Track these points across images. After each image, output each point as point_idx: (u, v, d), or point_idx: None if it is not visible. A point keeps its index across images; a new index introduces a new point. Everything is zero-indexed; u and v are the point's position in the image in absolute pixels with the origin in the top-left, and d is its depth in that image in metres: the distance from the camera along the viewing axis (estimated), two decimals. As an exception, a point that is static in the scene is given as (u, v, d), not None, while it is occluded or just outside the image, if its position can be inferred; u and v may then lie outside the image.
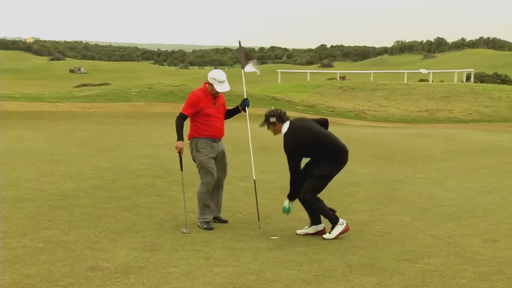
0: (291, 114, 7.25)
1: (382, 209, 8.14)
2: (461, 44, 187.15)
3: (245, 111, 7.16)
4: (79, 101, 27.87)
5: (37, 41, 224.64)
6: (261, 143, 14.60)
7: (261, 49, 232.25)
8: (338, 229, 6.44)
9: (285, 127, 6.52)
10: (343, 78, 78.13)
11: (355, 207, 8.22)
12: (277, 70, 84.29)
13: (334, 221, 6.47)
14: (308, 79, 70.77)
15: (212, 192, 7.00)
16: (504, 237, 6.63)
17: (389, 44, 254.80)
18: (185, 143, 6.92)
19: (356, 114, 39.76)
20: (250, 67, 7.42)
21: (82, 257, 5.46)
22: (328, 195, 6.66)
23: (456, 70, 76.46)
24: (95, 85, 52.04)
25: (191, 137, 7.00)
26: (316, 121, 6.80)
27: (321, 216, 6.64)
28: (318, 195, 6.54)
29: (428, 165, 13.24)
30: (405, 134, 21.29)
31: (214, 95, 6.94)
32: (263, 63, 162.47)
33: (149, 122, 22.34)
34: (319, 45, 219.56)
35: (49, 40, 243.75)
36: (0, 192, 8.21)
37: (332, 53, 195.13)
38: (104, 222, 6.88)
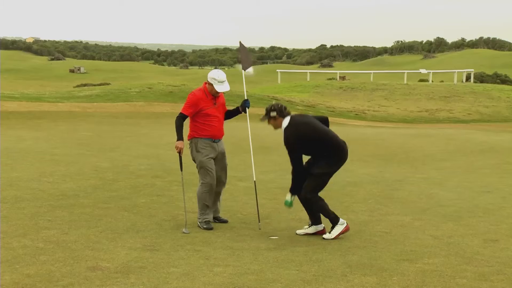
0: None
1: (382, 209, 8.14)
2: (461, 44, 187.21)
3: (245, 112, 7.15)
4: (79, 101, 27.88)
5: (37, 41, 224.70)
6: (261, 143, 14.61)
7: (261, 49, 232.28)
8: (338, 229, 6.43)
9: (286, 122, 6.50)
10: (343, 78, 78.16)
11: (355, 207, 8.22)
12: (277, 70, 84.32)
13: (334, 221, 6.47)
14: (308, 79, 70.80)
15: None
16: (504, 237, 6.63)
17: (389, 44, 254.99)
18: (185, 143, 6.92)
19: (356, 114, 39.76)
20: (250, 70, 7.44)
21: (82, 257, 5.46)
22: (328, 195, 6.66)
23: (456, 70, 76.49)
24: (95, 85, 52.04)
25: (191, 137, 6.99)
26: (317, 118, 6.80)
27: (322, 215, 6.64)
28: (319, 195, 6.53)
29: (428, 165, 13.24)
30: (405, 134, 21.29)
31: (214, 95, 6.94)
32: (263, 63, 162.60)
33: (149, 122, 22.34)
34: (319, 45, 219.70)
35: (49, 40, 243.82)
36: (0, 192, 8.21)
37: (332, 53, 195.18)
38: (104, 222, 6.88)
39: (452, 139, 18.78)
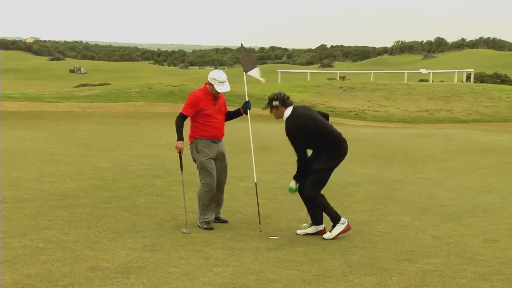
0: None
1: (382, 209, 8.14)
2: (461, 44, 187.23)
3: (246, 114, 7.14)
4: (79, 101, 27.88)
5: (37, 41, 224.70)
6: (261, 143, 14.62)
7: (261, 49, 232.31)
8: (339, 228, 6.42)
9: (288, 112, 6.48)
10: (343, 78, 78.15)
11: (355, 207, 8.22)
12: (277, 70, 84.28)
13: (335, 220, 6.45)
14: (308, 79, 70.79)
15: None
16: (504, 237, 6.63)
17: (389, 44, 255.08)
18: (185, 143, 6.92)
19: (356, 114, 39.77)
20: (254, 72, 7.41)
21: (82, 257, 5.46)
22: (328, 195, 6.65)
23: (456, 70, 76.46)
24: (95, 85, 52.03)
25: (191, 138, 6.99)
26: (319, 113, 6.80)
27: (322, 214, 6.62)
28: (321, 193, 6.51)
29: (428, 165, 13.24)
30: (405, 134, 21.30)
31: (215, 96, 6.94)
32: (263, 63, 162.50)
33: (149, 122, 22.34)
34: (319, 45, 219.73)
35: (49, 40, 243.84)
36: (0, 192, 8.21)
37: (332, 53, 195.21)
38: (104, 222, 6.88)
39: (452, 139, 18.78)
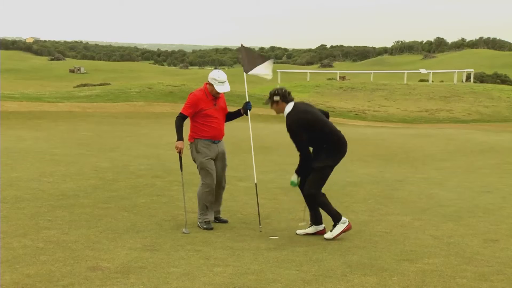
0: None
1: (382, 209, 8.14)
2: (461, 44, 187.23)
3: (247, 115, 7.14)
4: (79, 101, 27.88)
5: (37, 41, 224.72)
6: (261, 143, 14.61)
7: (261, 49, 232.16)
8: (340, 228, 6.39)
9: (289, 107, 6.47)
10: (343, 78, 78.11)
11: (355, 207, 8.22)
12: (277, 70, 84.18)
13: (336, 219, 6.42)
14: (308, 79, 70.76)
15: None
16: (504, 237, 6.63)
17: (389, 44, 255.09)
18: (185, 143, 6.92)
19: (356, 114, 39.77)
20: (260, 69, 7.38)
21: (82, 257, 5.46)
22: (328, 195, 6.64)
23: (456, 70, 76.36)
24: (95, 85, 52.04)
25: (191, 139, 6.98)
26: (319, 110, 6.80)
27: (321, 214, 6.62)
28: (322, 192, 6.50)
29: (428, 165, 13.24)
30: (405, 134, 21.30)
31: (215, 96, 6.93)
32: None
33: (149, 122, 22.34)
34: (319, 45, 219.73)
35: (49, 40, 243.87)
36: (0, 192, 8.21)
37: (332, 53, 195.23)
38: (104, 222, 6.88)
39: (452, 139, 18.78)
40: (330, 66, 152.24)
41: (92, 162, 11.41)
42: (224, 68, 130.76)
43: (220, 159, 7.03)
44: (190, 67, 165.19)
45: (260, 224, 6.89)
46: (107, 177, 9.83)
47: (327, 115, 6.85)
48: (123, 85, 39.79)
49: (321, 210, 6.63)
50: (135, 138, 16.48)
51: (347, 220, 6.49)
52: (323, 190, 6.55)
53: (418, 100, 50.26)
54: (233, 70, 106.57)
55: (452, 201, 8.73)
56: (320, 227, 6.67)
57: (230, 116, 7.20)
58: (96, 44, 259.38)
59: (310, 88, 56.91)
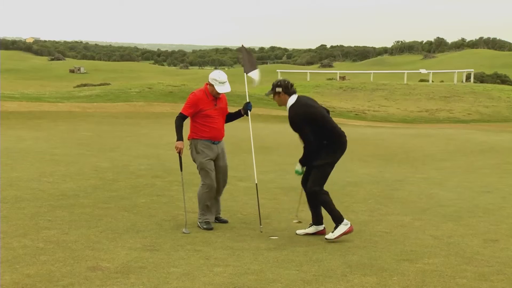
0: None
1: (382, 209, 8.14)
2: (461, 44, 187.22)
3: (247, 115, 7.14)
4: (79, 101, 27.89)
5: (37, 41, 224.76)
6: (261, 143, 14.61)
7: (261, 49, 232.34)
8: (342, 229, 6.34)
9: (292, 100, 6.45)
10: (343, 78, 78.09)
11: (355, 207, 8.22)
12: (277, 70, 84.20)
13: (337, 220, 6.38)
14: (308, 79, 70.73)
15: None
16: (504, 237, 6.63)
17: (389, 44, 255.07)
18: (185, 144, 6.92)
19: (356, 114, 39.78)
20: (253, 73, 7.39)
21: (82, 257, 5.47)
22: (328, 195, 6.64)
23: (456, 70, 76.31)
24: (95, 85, 52.04)
25: (190, 138, 6.99)
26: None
27: (322, 215, 6.61)
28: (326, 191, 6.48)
29: (428, 165, 13.24)
30: (405, 134, 21.30)
31: (215, 96, 6.93)
32: (263, 63, 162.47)
33: (149, 122, 22.34)
34: (319, 45, 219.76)
35: (49, 40, 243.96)
36: (0, 192, 8.21)
37: (332, 53, 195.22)
38: (104, 222, 6.88)
39: (452, 139, 18.78)
40: (330, 66, 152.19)
41: (92, 162, 11.41)
42: (224, 68, 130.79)
43: (220, 160, 7.03)
44: (190, 67, 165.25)
45: (260, 224, 6.88)
46: (107, 177, 9.83)
47: (327, 112, 6.85)
48: (123, 85, 39.79)
49: (322, 210, 6.62)
50: (135, 138, 16.48)
51: (349, 222, 6.44)
52: (326, 188, 6.53)
53: (418, 100, 50.26)
54: (233, 70, 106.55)
55: (452, 201, 8.73)
56: (321, 227, 6.67)
57: (231, 117, 7.20)
58: (96, 44, 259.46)
59: (310, 88, 56.87)
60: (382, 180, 10.72)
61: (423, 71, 78.80)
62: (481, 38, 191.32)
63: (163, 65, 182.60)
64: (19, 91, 32.81)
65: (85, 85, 61.51)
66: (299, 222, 7.14)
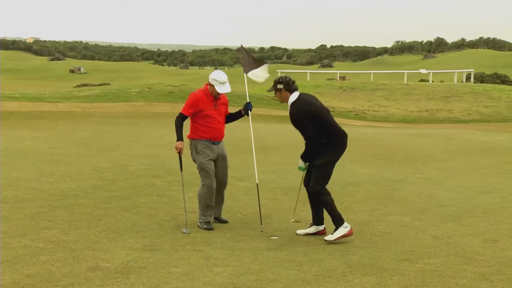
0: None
1: (382, 209, 8.14)
2: (461, 44, 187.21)
3: (248, 115, 7.14)
4: (79, 101, 27.89)
5: (37, 41, 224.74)
6: (261, 143, 14.60)
7: (261, 49, 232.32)
8: (341, 231, 6.30)
9: (293, 97, 6.43)
10: (343, 78, 78.10)
11: (355, 207, 8.22)
12: (277, 70, 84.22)
13: (337, 222, 6.34)
14: (308, 79, 70.73)
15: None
16: (504, 237, 6.63)
17: (389, 44, 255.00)
18: (185, 144, 6.92)
19: (356, 114, 39.77)
20: (256, 75, 7.36)
21: (82, 257, 5.47)
22: (328, 195, 6.64)
23: (456, 70, 76.32)
24: (95, 85, 52.03)
25: (190, 139, 6.99)
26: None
27: (323, 215, 6.60)
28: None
29: (428, 165, 13.24)
30: (405, 134, 21.30)
31: (215, 97, 6.93)
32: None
33: (149, 122, 22.34)
34: (319, 45, 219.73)
35: (49, 40, 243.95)
36: (0, 192, 8.21)
37: (332, 53, 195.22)
38: (104, 222, 6.88)
39: (452, 139, 18.78)
40: (330, 66, 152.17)
41: (92, 162, 11.41)
42: (224, 68, 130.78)
43: (220, 160, 7.03)
44: (190, 67, 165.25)
45: (261, 224, 6.88)
46: (107, 177, 9.83)
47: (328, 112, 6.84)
48: (123, 85, 39.79)
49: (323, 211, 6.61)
50: (135, 138, 16.48)
51: (349, 225, 6.40)
52: (330, 189, 6.51)
53: (418, 100, 50.27)
54: (233, 70, 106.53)
55: (452, 201, 8.73)
56: (321, 227, 6.66)
57: (231, 117, 7.19)
58: (96, 44, 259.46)
59: (310, 88, 56.84)
60: (382, 180, 10.72)
61: (423, 71, 78.81)
62: (481, 38, 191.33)
63: (163, 65, 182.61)
64: (19, 91, 32.81)
65: (85, 85, 61.49)
66: (297, 221, 7.15)
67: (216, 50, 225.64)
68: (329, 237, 6.35)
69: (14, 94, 28.59)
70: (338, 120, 6.76)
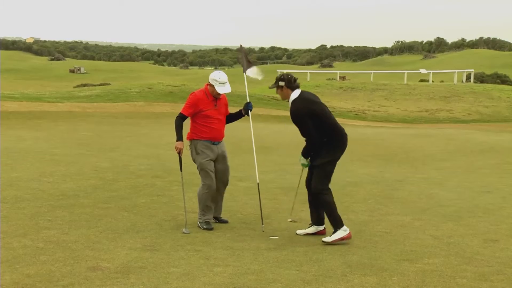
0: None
1: (382, 209, 8.14)
2: (461, 44, 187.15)
3: (248, 115, 7.13)
4: (79, 101, 27.89)
5: (37, 41, 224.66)
6: (261, 143, 14.60)
7: (261, 49, 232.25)
8: (340, 234, 6.27)
9: (295, 94, 6.43)
10: (343, 78, 78.09)
11: (355, 207, 8.22)
12: (277, 70, 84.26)
13: (336, 224, 6.31)
14: (308, 79, 70.74)
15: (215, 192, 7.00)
16: (504, 237, 6.63)
17: (389, 44, 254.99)
18: (185, 144, 6.92)
19: (356, 114, 39.77)
20: (252, 72, 7.38)
21: (82, 257, 5.47)
22: (328, 195, 6.63)
23: (456, 70, 76.31)
24: (95, 85, 52.02)
25: (190, 139, 6.99)
26: None
27: (325, 214, 6.58)
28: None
29: (428, 165, 13.24)
30: (405, 134, 21.30)
31: (215, 97, 6.93)
32: (263, 63, 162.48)
33: (149, 122, 22.34)
34: (319, 45, 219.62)
35: (49, 40, 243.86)
36: (0, 192, 8.21)
37: (332, 53, 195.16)
38: (104, 222, 6.88)
39: (452, 139, 18.78)
40: (330, 66, 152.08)
41: (92, 162, 11.41)
42: (224, 69, 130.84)
43: (221, 160, 7.03)
44: (190, 67, 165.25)
45: (262, 224, 6.88)
46: (107, 177, 9.83)
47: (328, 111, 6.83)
48: (123, 85, 39.79)
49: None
50: (135, 138, 16.49)
51: (348, 229, 6.35)
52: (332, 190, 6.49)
53: (418, 100, 50.26)
54: (233, 70, 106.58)
55: (452, 201, 8.73)
56: (321, 227, 6.66)
57: (232, 118, 7.19)
58: (96, 44, 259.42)
59: (310, 88, 56.79)
60: (382, 180, 10.72)
61: (423, 71, 78.81)
62: (481, 38, 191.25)
63: (163, 65, 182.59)
64: (19, 91, 32.81)
65: (85, 85, 61.49)
66: (294, 221, 7.15)
67: (216, 50, 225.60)
68: (326, 239, 6.32)
69: (14, 94, 28.59)
70: (338, 120, 6.76)
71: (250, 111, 7.10)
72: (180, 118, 6.89)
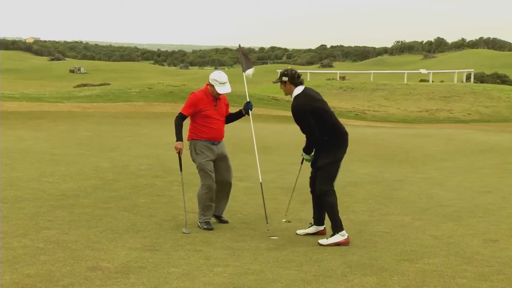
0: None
1: (382, 209, 8.14)
2: (461, 44, 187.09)
3: (248, 115, 7.14)
4: (79, 101, 27.89)
5: (37, 41, 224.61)
6: (261, 143, 14.60)
7: (261, 49, 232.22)
8: (337, 238, 6.24)
9: (298, 90, 6.44)
10: (343, 78, 78.08)
11: (355, 207, 8.22)
12: (277, 70, 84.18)
13: (336, 228, 6.29)
14: (308, 79, 70.69)
15: (217, 191, 7.00)
16: (504, 237, 6.64)
17: (389, 44, 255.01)
18: (185, 144, 6.92)
19: (356, 114, 39.77)
20: (251, 72, 7.40)
21: (82, 257, 5.47)
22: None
23: (456, 70, 76.33)
24: (95, 85, 52.02)
25: (190, 139, 6.99)
26: None
27: (326, 216, 6.57)
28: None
29: (428, 165, 13.24)
30: (405, 134, 21.29)
31: (215, 97, 6.93)
32: (263, 63, 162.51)
33: (149, 122, 22.34)
34: (319, 45, 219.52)
35: (49, 40, 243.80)
36: (0, 192, 8.21)
37: (332, 53, 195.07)
38: (104, 222, 6.88)
39: (452, 139, 18.78)
40: (330, 66, 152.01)
41: (92, 162, 11.41)
42: (224, 68, 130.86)
43: (221, 161, 7.02)
44: (190, 67, 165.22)
45: (267, 223, 6.86)
46: (107, 177, 9.83)
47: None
48: (123, 85, 39.79)
49: None
50: (135, 138, 16.49)
51: (347, 235, 6.31)
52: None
53: (418, 100, 50.25)
54: (233, 70, 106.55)
55: (452, 201, 8.73)
56: (321, 228, 6.66)
57: (232, 117, 7.19)
58: (96, 44, 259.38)
59: (310, 88, 56.78)
60: (382, 180, 10.72)
61: (423, 71, 78.82)
62: (481, 38, 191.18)
63: (163, 65, 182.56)
64: (19, 91, 32.80)
65: (85, 85, 61.49)
66: (289, 221, 7.16)
67: (216, 50, 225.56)
68: (323, 241, 6.29)
69: (14, 94, 28.59)
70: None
71: (250, 110, 7.10)
72: (180, 118, 6.89)
